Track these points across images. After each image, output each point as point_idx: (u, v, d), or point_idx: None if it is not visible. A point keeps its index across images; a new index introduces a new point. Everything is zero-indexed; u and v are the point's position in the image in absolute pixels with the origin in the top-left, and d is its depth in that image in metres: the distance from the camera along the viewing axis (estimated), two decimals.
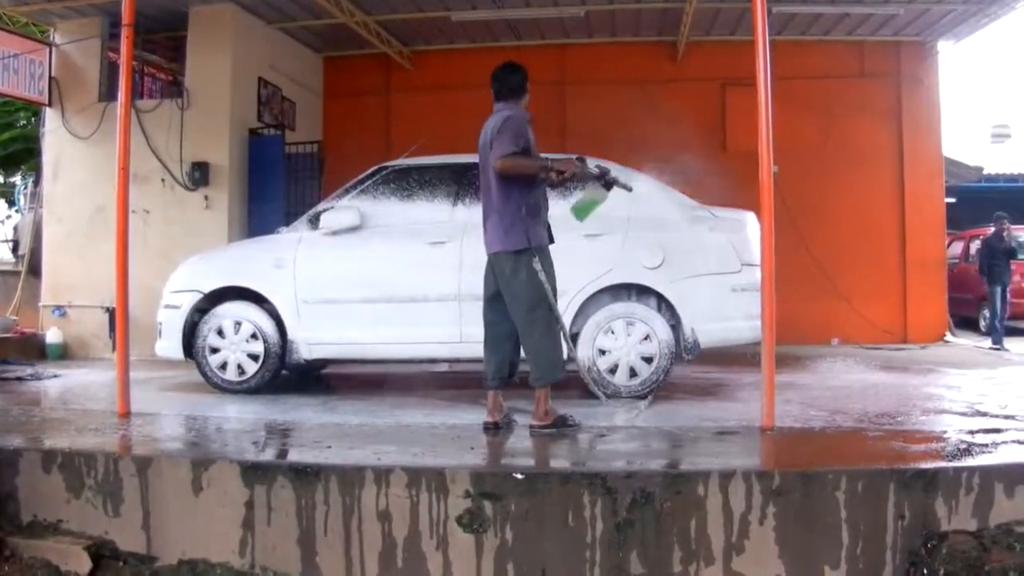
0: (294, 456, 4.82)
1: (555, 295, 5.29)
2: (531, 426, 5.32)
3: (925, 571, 3.89)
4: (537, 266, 5.16)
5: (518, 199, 5.21)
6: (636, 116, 11.97)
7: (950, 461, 4.28)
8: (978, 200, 18.46)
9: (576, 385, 6.59)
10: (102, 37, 10.78)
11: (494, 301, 5.37)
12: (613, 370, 6.62)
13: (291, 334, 7.03)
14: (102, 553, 4.36)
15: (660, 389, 6.70)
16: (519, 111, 5.33)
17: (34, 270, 11.52)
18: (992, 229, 12.33)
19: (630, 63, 12.33)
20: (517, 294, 5.21)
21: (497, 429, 5.33)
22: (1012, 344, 11.65)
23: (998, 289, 11.93)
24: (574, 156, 5.38)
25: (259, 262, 7.22)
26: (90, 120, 10.53)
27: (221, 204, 10.36)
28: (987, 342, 12.10)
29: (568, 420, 5.37)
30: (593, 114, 11.98)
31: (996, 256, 12.00)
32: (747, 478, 3.99)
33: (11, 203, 16.30)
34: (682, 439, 5.19)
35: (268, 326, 7.05)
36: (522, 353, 5.40)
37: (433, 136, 7.86)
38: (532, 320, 5.21)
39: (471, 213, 6.85)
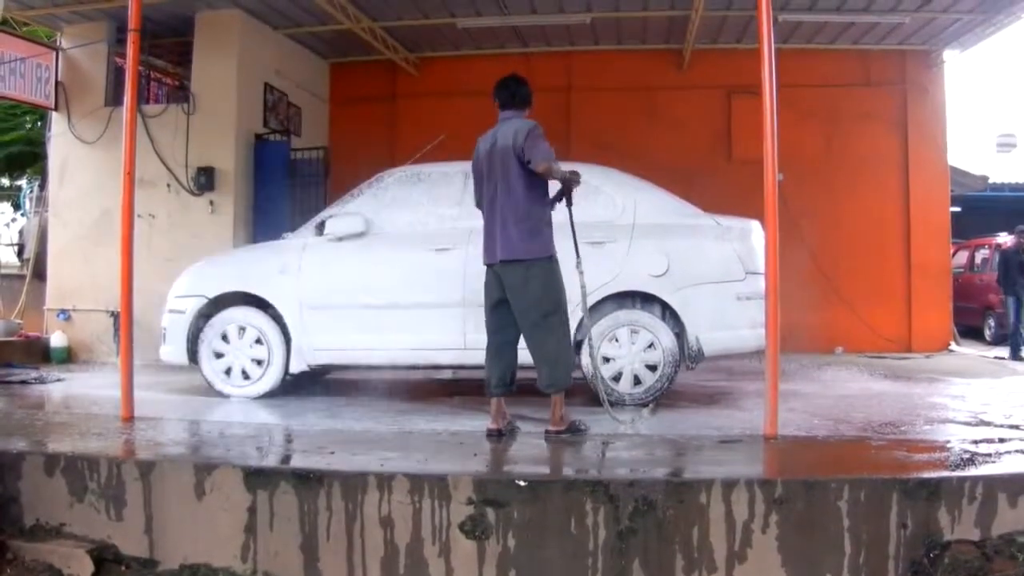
0: (297, 462, 4.82)
1: (566, 303, 5.38)
2: (547, 431, 5.36)
3: None
4: (556, 272, 5.25)
5: (541, 207, 5.31)
6: (641, 123, 12.03)
7: (953, 471, 4.26)
8: (983, 209, 18.48)
9: (579, 392, 6.58)
10: (109, 42, 10.82)
11: (497, 309, 5.40)
12: (617, 378, 6.61)
13: (295, 340, 7.04)
14: (104, 557, 4.36)
15: (664, 397, 6.69)
16: (535, 122, 5.39)
17: (39, 274, 11.56)
18: (1011, 240, 12.31)
19: (636, 70, 12.35)
20: (532, 301, 5.25)
21: (500, 436, 5.33)
22: None
23: (1011, 300, 11.91)
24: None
25: (264, 268, 7.23)
26: (96, 124, 10.56)
27: (226, 209, 10.38)
28: (992, 351, 12.07)
29: (579, 426, 5.42)
30: (598, 121, 11.99)
31: (1011, 268, 11.99)
32: (750, 486, 3.98)
33: (17, 207, 16.36)
34: (685, 447, 5.18)
35: (272, 331, 7.06)
36: (520, 361, 5.43)
37: (441, 142, 7.86)
38: (547, 327, 5.27)
39: (476, 219, 6.86)
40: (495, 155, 5.34)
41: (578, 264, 5.50)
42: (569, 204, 5.44)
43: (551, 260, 5.32)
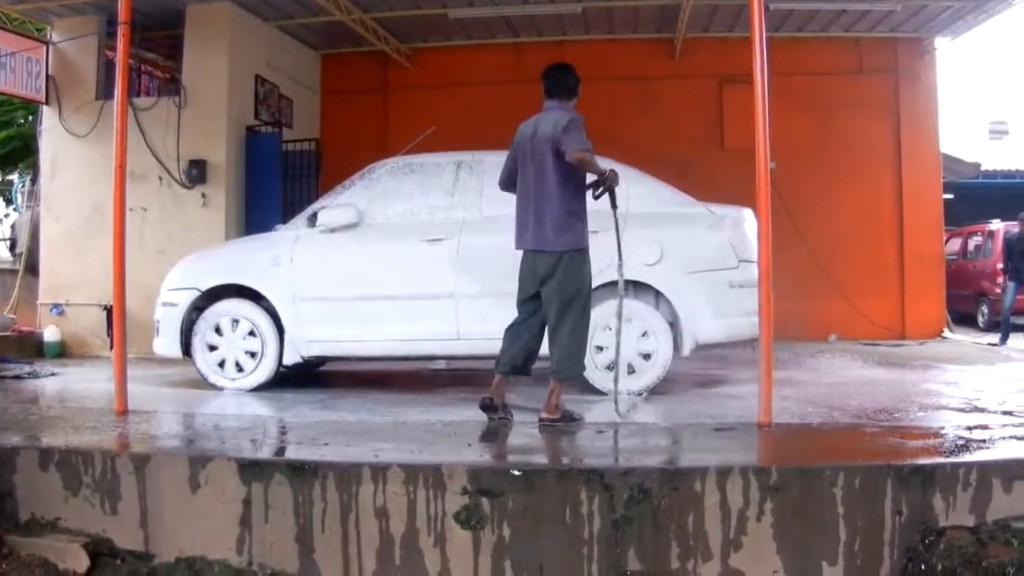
0: (291, 453, 4.81)
1: (590, 296, 5.40)
2: (540, 418, 5.38)
3: (923, 567, 3.90)
4: (585, 264, 5.27)
5: (570, 200, 5.32)
6: (634, 113, 12.00)
7: (948, 457, 4.28)
8: (976, 196, 18.51)
9: (573, 381, 6.56)
10: (99, 35, 10.76)
11: (528, 301, 5.46)
12: (611, 367, 6.60)
13: (288, 332, 7.03)
14: (100, 551, 4.35)
15: (658, 385, 6.69)
16: (577, 113, 5.45)
17: (32, 268, 11.51)
18: (1016, 226, 12.33)
19: (628, 60, 12.30)
20: (557, 289, 5.29)
21: (494, 408, 5.40)
22: (1013, 340, 11.66)
23: (1013, 286, 11.93)
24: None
25: (256, 260, 7.21)
26: (87, 118, 10.50)
27: (218, 202, 10.34)
28: (985, 338, 12.08)
29: (573, 415, 5.44)
30: (591, 111, 11.76)
31: (1015, 253, 12.02)
32: (744, 474, 3.99)
33: (9, 201, 16.30)
34: (680, 435, 5.20)
35: (265, 324, 7.05)
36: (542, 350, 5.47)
37: (431, 133, 7.85)
38: (565, 316, 5.29)
39: (468, 210, 6.88)
40: (535, 143, 5.36)
41: (619, 266, 5.49)
42: (614, 206, 5.43)
43: (581, 252, 5.33)
